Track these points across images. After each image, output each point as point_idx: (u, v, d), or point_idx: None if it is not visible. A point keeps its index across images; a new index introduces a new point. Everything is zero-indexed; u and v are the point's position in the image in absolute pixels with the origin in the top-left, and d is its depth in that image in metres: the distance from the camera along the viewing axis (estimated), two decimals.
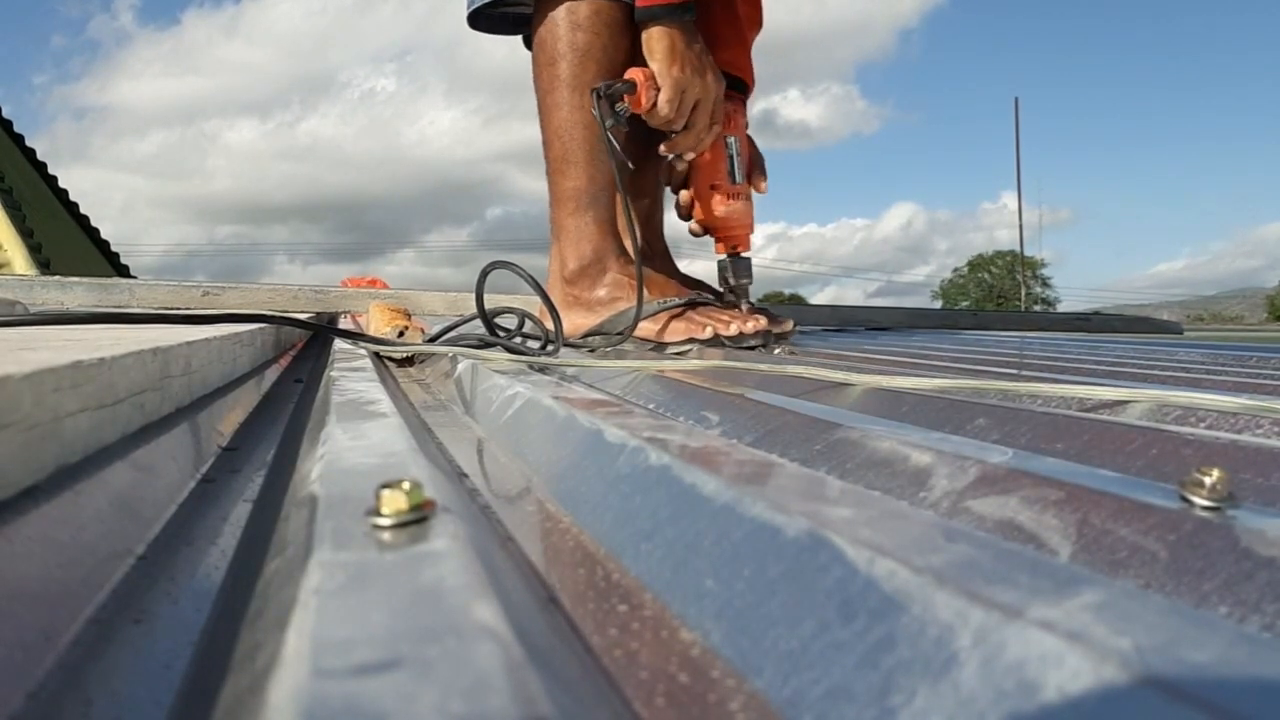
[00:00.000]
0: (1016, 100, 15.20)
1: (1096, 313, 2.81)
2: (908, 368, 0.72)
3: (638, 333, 1.06)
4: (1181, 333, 2.54)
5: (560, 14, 1.07)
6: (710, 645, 0.20)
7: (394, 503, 0.22)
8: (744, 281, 1.15)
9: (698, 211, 1.15)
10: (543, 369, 0.73)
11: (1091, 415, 0.42)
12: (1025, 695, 0.14)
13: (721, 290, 1.19)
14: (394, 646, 0.15)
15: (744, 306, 1.14)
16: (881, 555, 0.19)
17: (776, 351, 1.01)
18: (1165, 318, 2.72)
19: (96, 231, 5.46)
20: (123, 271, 5.49)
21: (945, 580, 0.17)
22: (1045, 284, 34.21)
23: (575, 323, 1.11)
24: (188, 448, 0.41)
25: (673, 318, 1.06)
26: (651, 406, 0.61)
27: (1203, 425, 0.41)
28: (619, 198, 1.10)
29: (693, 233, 1.19)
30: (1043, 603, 0.16)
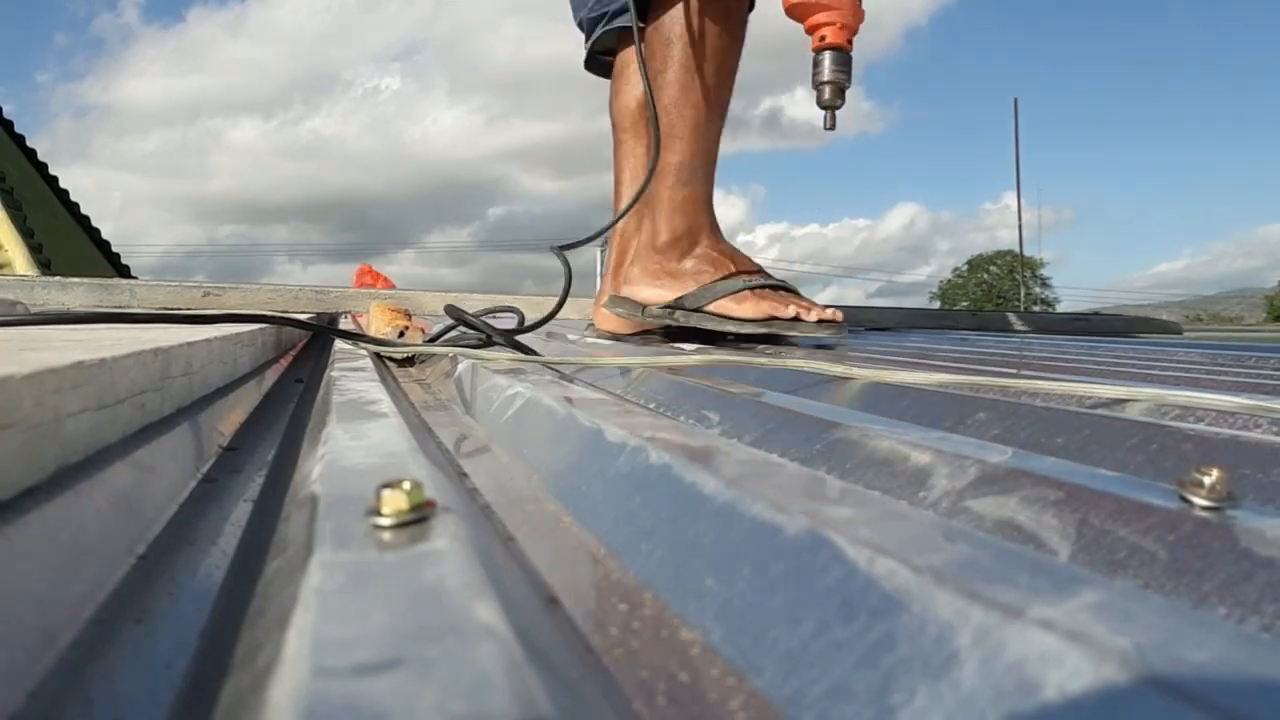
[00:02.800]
0: (1015, 100, 15.21)
1: (1096, 313, 2.81)
2: (907, 366, 0.72)
3: (715, 308, 1.08)
4: (1181, 332, 2.54)
5: (673, 2, 1.11)
6: (710, 644, 0.20)
7: (394, 503, 0.22)
8: (833, 78, 1.05)
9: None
10: (542, 368, 0.73)
11: (1091, 412, 0.42)
12: (1025, 694, 0.14)
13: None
14: (395, 646, 0.15)
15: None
16: (881, 555, 0.19)
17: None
18: (1165, 317, 2.72)
19: (97, 231, 5.46)
20: (123, 272, 5.49)
21: (945, 580, 0.17)
22: (1044, 284, 34.18)
23: (659, 294, 1.14)
24: (188, 448, 0.41)
25: (756, 295, 1.08)
26: (652, 405, 0.61)
27: (1202, 424, 0.41)
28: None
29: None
30: (1042, 602, 0.16)
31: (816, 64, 1.07)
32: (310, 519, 0.23)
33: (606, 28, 1.28)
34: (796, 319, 1.05)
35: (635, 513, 0.28)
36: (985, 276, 35.63)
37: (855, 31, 1.06)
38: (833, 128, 1.09)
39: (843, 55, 1.06)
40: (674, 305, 1.11)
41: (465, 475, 0.40)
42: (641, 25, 1.16)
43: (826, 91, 1.07)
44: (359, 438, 0.35)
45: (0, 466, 0.24)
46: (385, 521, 0.22)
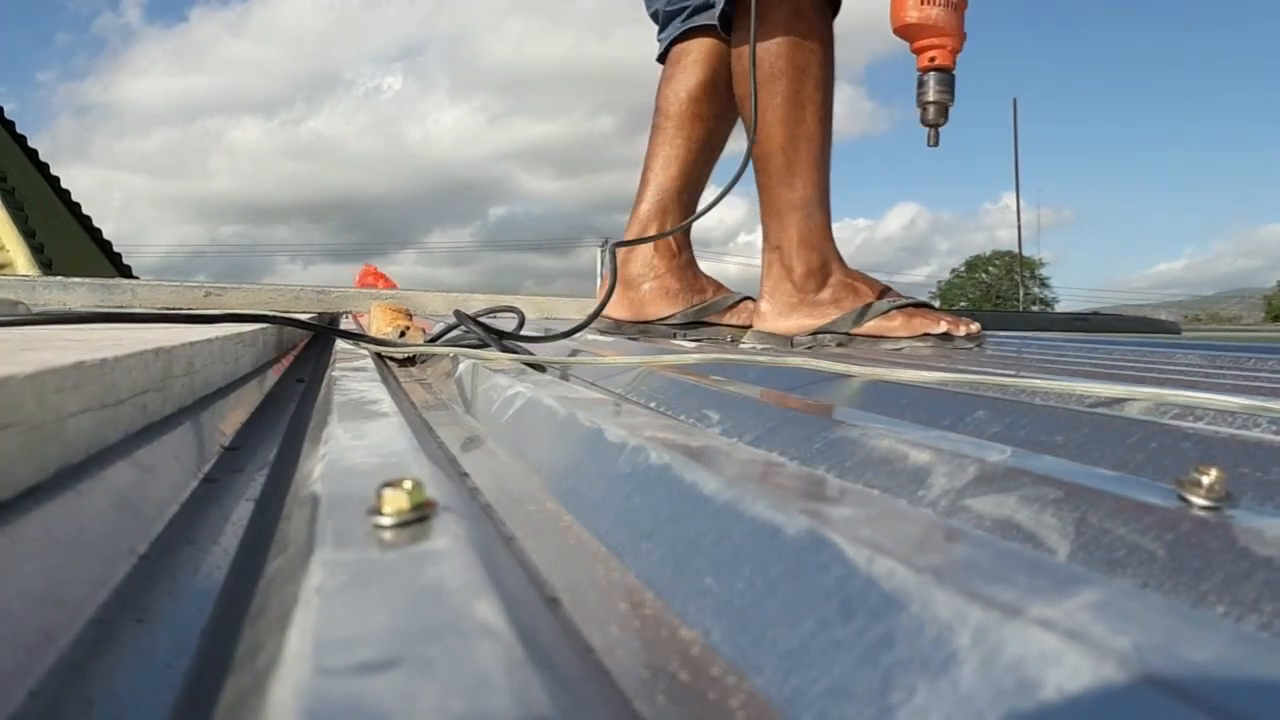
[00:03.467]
0: (1015, 101, 15.19)
1: (1095, 313, 2.81)
2: (907, 365, 0.72)
3: (866, 330, 1.12)
4: (1180, 332, 2.53)
5: (777, 33, 1.12)
6: (711, 644, 0.20)
7: (395, 502, 0.22)
8: (938, 98, 1.09)
9: (892, 18, 1.10)
10: (543, 368, 0.73)
11: (1090, 411, 0.42)
12: (1024, 694, 0.14)
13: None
14: (395, 645, 0.15)
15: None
16: (881, 554, 0.19)
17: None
18: (1164, 317, 2.72)
19: (99, 231, 5.46)
20: (125, 272, 5.49)
21: (944, 579, 0.17)
22: (1043, 284, 34.10)
23: (803, 323, 1.17)
24: (190, 447, 0.41)
25: (905, 315, 1.12)
26: (653, 405, 0.61)
27: (1201, 424, 0.41)
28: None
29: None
30: (1042, 602, 0.16)
31: (922, 84, 1.09)
32: (311, 518, 0.23)
33: (686, 25, 1.27)
34: (947, 335, 1.10)
35: (635, 512, 0.28)
36: (984, 277, 35.57)
37: (959, 52, 1.09)
38: (936, 144, 1.11)
39: (948, 76, 1.09)
40: (823, 331, 1.15)
41: (466, 475, 0.40)
42: (719, 25, 1.16)
43: (931, 111, 1.10)
44: (360, 437, 0.36)
45: (2, 466, 0.24)
46: (386, 521, 0.22)
